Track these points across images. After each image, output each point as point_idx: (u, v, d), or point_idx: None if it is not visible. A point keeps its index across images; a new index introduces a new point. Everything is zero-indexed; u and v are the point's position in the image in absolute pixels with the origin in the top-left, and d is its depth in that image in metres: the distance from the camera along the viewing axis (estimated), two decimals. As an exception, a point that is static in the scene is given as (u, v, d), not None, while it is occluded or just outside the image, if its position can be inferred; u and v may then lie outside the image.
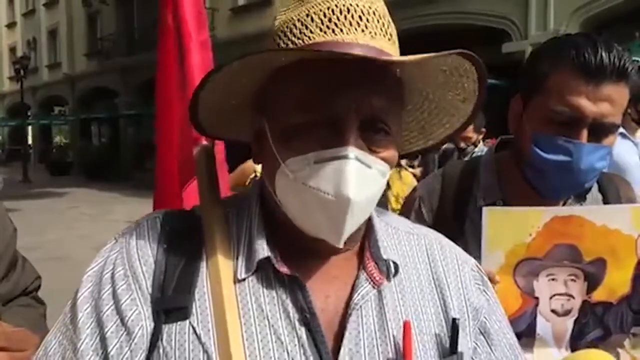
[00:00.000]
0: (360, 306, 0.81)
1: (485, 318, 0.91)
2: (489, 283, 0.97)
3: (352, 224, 0.76)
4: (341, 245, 0.77)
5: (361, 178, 0.73)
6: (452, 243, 0.99)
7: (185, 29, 1.30)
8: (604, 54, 1.13)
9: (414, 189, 1.53)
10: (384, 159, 0.77)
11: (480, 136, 5.02)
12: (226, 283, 0.78)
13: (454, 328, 0.84)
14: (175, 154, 1.36)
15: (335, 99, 0.73)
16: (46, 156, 33.70)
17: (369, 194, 0.76)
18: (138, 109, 23.32)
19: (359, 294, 0.81)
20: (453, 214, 1.37)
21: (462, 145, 4.90)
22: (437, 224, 1.34)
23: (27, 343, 0.97)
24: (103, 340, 0.76)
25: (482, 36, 12.10)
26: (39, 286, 1.50)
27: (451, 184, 1.42)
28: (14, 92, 33.10)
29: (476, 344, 0.89)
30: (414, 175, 5.38)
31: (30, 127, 35.90)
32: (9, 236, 1.36)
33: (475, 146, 4.92)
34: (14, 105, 34.03)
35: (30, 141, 36.50)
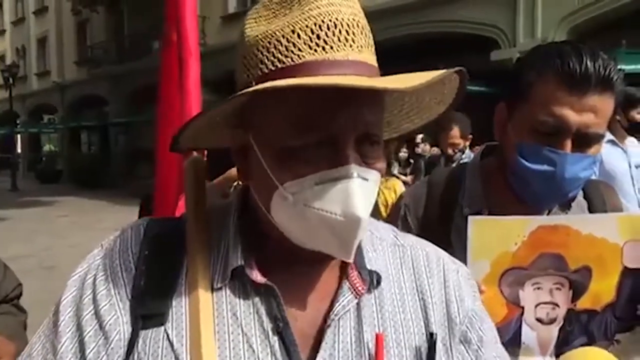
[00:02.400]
0: (340, 317, 0.80)
1: (479, 327, 0.90)
2: (478, 292, 0.96)
3: (360, 239, 0.75)
4: (351, 260, 0.77)
5: (364, 194, 0.72)
6: (441, 253, 0.96)
7: (186, 45, 1.37)
8: (589, 64, 1.12)
9: (400, 197, 1.53)
10: (376, 169, 0.77)
11: (467, 142, 5.04)
12: (203, 291, 0.78)
13: (430, 342, 0.83)
14: (175, 164, 1.39)
15: (332, 119, 0.72)
16: (35, 165, 33.51)
17: (370, 208, 0.75)
18: (128, 117, 23.29)
19: (340, 303, 0.80)
20: (438, 221, 1.37)
21: (450, 152, 4.92)
22: (423, 232, 1.34)
23: (2, 351, 0.96)
24: (82, 343, 0.77)
25: (470, 44, 12.21)
26: (20, 294, 1.49)
27: (437, 192, 1.42)
28: (2, 101, 32.89)
29: (467, 353, 0.88)
30: (406, 183, 5.39)
31: (19, 136, 35.68)
32: None
33: (463, 152, 4.93)
34: (3, 114, 33.81)
35: (19, 149, 36.27)
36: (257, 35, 0.77)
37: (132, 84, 23.96)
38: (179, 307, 0.79)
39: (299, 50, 0.73)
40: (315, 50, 0.73)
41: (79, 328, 0.78)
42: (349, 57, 0.74)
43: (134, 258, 0.82)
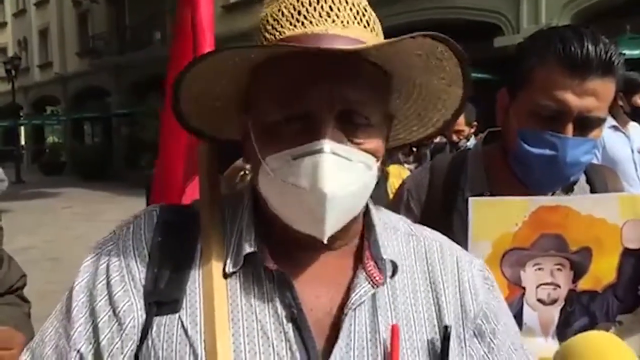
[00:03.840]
0: (356, 307, 0.80)
1: (494, 320, 0.89)
2: (495, 283, 0.94)
3: (335, 218, 0.75)
4: (325, 240, 0.76)
5: (340, 171, 0.72)
6: (455, 246, 0.96)
7: (201, 30, 1.35)
8: (590, 48, 1.13)
9: (403, 183, 1.53)
10: (367, 151, 0.76)
11: (472, 130, 5.03)
12: (217, 277, 0.79)
13: (445, 335, 0.82)
14: (182, 150, 1.38)
15: (307, 93, 0.73)
16: (39, 156, 33.55)
17: (352, 188, 0.75)
18: (131, 108, 23.24)
19: (357, 293, 0.79)
20: (441, 206, 1.37)
21: (455, 139, 4.91)
22: (426, 217, 1.35)
23: (13, 342, 0.97)
24: (95, 329, 0.77)
25: (474, 31, 12.11)
26: (24, 285, 1.51)
27: (439, 177, 1.42)
28: (5, 93, 32.89)
29: (480, 346, 0.87)
30: (410, 172, 5.38)
31: (22, 128, 35.71)
32: None
33: (468, 140, 4.92)
34: (6, 106, 33.81)
35: (22, 142, 36.34)
36: (260, 18, 0.81)
37: (135, 75, 23.91)
38: (193, 294, 0.79)
39: (281, 26, 0.76)
40: (295, 26, 0.75)
41: (93, 314, 0.78)
42: (330, 31, 0.74)
43: (147, 245, 0.82)
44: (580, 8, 11.35)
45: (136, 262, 0.81)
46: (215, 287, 0.78)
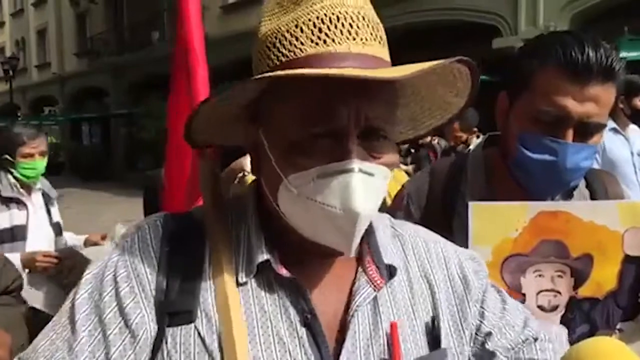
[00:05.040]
0: (360, 308, 0.82)
1: (485, 295, 0.94)
2: (482, 263, 0.99)
3: (361, 233, 0.76)
4: (352, 254, 0.78)
5: (366, 189, 0.73)
6: (437, 237, 0.99)
7: (192, 47, 1.35)
8: (591, 53, 1.12)
9: (403, 187, 1.53)
10: (384, 164, 0.77)
11: (473, 135, 5.04)
12: (230, 286, 0.79)
13: (433, 325, 0.87)
14: (188, 161, 1.39)
15: (335, 112, 0.73)
16: (37, 157, 33.45)
17: (374, 203, 0.76)
18: (129, 109, 23.22)
19: (360, 296, 0.82)
20: (441, 210, 1.37)
21: (452, 144, 4.93)
22: (426, 221, 1.34)
23: None
24: (104, 342, 0.75)
25: (472, 32, 12.13)
26: (21, 286, 1.50)
27: (439, 181, 1.42)
28: (3, 93, 32.85)
29: (482, 315, 0.92)
30: (407, 173, 5.39)
31: (20, 128, 35.64)
32: None
33: (467, 145, 4.94)
34: (4, 106, 33.75)
35: (20, 142, 36.25)
36: (267, 32, 0.79)
37: (133, 75, 23.89)
38: (207, 303, 0.79)
39: (302, 44, 0.75)
40: (317, 44, 0.74)
41: (101, 326, 0.76)
42: (352, 49, 0.74)
43: (155, 255, 0.81)
44: (578, 10, 11.37)
45: (146, 272, 0.80)
46: (229, 295, 0.78)
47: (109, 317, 0.77)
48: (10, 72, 26.14)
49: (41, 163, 3.09)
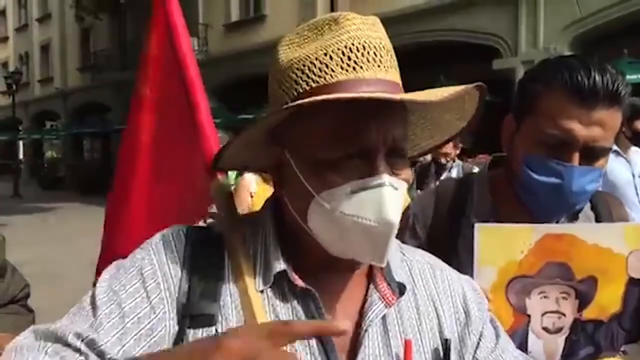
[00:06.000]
0: (372, 324, 0.86)
1: (483, 327, 0.96)
2: (481, 293, 1.02)
3: (392, 244, 0.81)
4: (384, 264, 0.83)
5: (395, 202, 0.78)
6: (443, 265, 1.02)
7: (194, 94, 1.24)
8: (597, 78, 1.13)
9: (408, 207, 1.53)
10: (404, 180, 0.82)
11: (457, 151, 5.10)
12: (252, 293, 0.83)
13: (446, 348, 0.89)
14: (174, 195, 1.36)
15: (366, 132, 0.78)
16: (37, 171, 33.49)
17: (399, 215, 0.80)
18: (130, 124, 23.23)
19: (373, 312, 0.86)
20: (446, 231, 1.37)
21: (443, 160, 4.96)
22: (431, 241, 1.35)
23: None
24: (121, 326, 0.78)
25: (473, 53, 12.22)
26: (28, 294, 1.51)
27: (444, 202, 1.42)
28: (5, 107, 32.97)
29: (477, 345, 0.94)
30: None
31: (21, 142, 35.72)
32: None
33: (454, 161, 5.00)
34: (6, 120, 33.85)
35: (21, 156, 36.29)
36: (292, 59, 0.83)
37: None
38: (227, 309, 0.82)
39: (332, 70, 0.80)
40: (347, 70, 0.79)
41: (121, 312, 0.78)
42: (378, 76, 0.80)
43: (179, 258, 0.85)
44: (578, 32, 11.47)
45: (171, 273, 0.83)
46: (253, 302, 0.82)
47: (130, 307, 0.79)
48: (13, 87, 26.23)
49: None
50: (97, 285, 0.83)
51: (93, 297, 0.82)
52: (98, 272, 1.57)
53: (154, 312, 0.80)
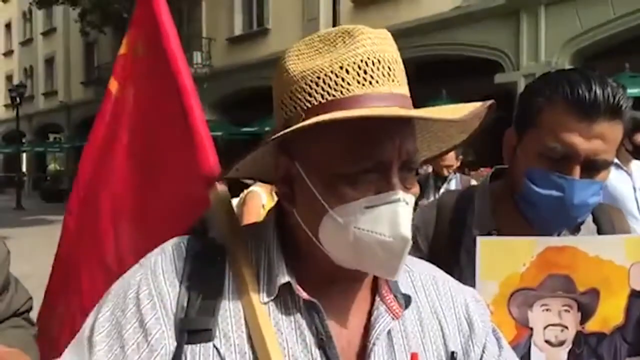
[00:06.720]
0: (380, 337, 0.85)
1: (487, 339, 0.96)
2: (487, 310, 1.02)
3: (406, 257, 0.80)
4: (396, 278, 0.84)
5: (408, 217, 0.78)
6: (445, 276, 1.02)
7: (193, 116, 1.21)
8: (598, 91, 1.13)
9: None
10: (413, 194, 0.82)
11: (458, 163, 5.12)
12: (256, 306, 0.82)
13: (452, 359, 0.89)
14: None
15: (381, 148, 0.78)
16: (40, 184, 33.56)
17: (410, 229, 0.80)
18: (133, 137, 23.28)
19: (380, 325, 0.86)
20: (448, 243, 1.38)
21: (445, 172, 4.97)
22: (433, 254, 1.36)
23: None
24: (121, 356, 0.78)
25: (475, 67, 12.27)
26: (31, 307, 1.50)
27: (446, 214, 1.43)
28: (9, 120, 33.14)
29: (481, 357, 0.94)
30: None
31: (24, 155, 35.84)
32: (2, 258, 1.37)
33: (454, 173, 5.02)
34: (9, 133, 34.02)
35: (24, 168, 36.40)
36: (304, 71, 0.82)
37: (138, 104, 24.05)
38: (225, 324, 0.82)
39: (348, 84, 0.79)
40: (363, 85, 0.79)
41: (120, 341, 0.79)
42: (392, 90, 0.80)
43: (178, 274, 0.84)
44: (580, 47, 11.51)
45: (167, 290, 0.83)
46: (258, 314, 0.81)
47: (128, 333, 0.79)
48: (17, 100, 26.39)
49: None
50: (99, 314, 0.83)
51: (92, 329, 0.82)
52: (49, 291, 1.55)
53: (150, 333, 0.79)
